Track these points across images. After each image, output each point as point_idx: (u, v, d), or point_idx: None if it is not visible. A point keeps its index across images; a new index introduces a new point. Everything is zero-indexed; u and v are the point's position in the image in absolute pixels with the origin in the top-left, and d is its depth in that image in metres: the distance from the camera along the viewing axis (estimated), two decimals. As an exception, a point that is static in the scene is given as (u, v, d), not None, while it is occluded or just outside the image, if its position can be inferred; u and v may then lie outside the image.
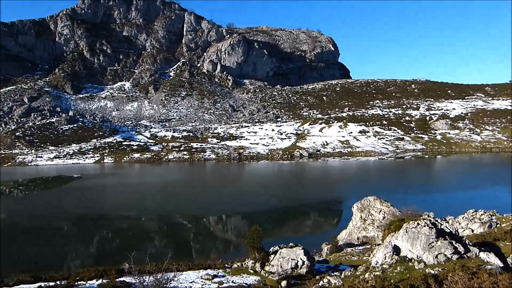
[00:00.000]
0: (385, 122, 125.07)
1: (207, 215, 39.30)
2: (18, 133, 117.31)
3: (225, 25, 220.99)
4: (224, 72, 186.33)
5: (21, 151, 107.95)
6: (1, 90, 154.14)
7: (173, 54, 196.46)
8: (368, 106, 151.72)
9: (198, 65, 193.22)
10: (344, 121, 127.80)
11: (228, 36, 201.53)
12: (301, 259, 13.88)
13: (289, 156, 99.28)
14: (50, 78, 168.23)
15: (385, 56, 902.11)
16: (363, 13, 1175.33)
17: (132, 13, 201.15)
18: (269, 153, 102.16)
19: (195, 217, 38.59)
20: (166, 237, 32.53)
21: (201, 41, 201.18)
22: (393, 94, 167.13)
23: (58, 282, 15.34)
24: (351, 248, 21.97)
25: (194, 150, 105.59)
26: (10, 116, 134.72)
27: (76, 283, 14.92)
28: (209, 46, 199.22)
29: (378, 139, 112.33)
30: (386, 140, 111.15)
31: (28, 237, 33.73)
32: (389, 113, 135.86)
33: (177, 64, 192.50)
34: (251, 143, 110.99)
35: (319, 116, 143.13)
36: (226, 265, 17.82)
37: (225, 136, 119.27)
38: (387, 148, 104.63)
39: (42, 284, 15.45)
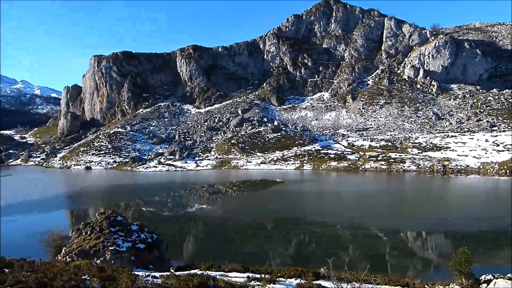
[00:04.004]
0: None
1: (404, 230, 37.20)
2: (233, 141, 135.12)
3: (429, 27, 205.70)
4: (428, 78, 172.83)
5: (235, 156, 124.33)
6: (222, 104, 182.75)
7: (371, 62, 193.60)
8: None
9: (398, 71, 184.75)
10: None
11: (432, 38, 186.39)
12: (520, 294, 11.77)
13: (508, 171, 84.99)
14: (259, 91, 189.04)
15: None
16: None
17: (331, 25, 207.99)
18: (481, 167, 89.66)
19: (392, 230, 37.00)
20: (361, 247, 32.18)
21: (401, 46, 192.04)
22: None
23: (262, 275, 17.10)
24: None
25: (392, 160, 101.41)
26: (227, 126, 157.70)
27: (277, 279, 16.29)
28: (410, 51, 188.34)
29: None
30: None
31: (237, 231, 38.55)
32: None
33: (376, 72, 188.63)
34: (458, 155, 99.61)
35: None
36: (426, 286, 16.55)
37: (428, 146, 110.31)
38: None
39: (250, 274, 17.49)
